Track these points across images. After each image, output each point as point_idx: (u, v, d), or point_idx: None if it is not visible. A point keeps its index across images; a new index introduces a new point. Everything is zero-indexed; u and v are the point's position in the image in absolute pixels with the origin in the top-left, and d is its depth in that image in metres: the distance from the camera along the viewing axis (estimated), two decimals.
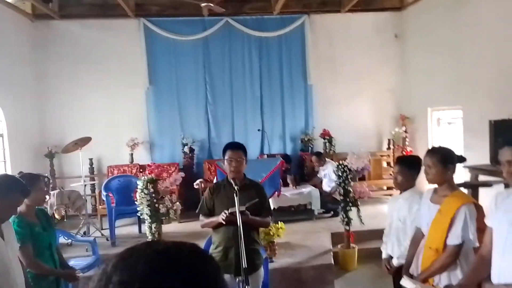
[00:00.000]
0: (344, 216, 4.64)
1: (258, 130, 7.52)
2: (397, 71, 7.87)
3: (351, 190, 4.63)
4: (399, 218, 2.76)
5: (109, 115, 7.26)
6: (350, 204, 4.63)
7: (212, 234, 2.97)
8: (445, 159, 2.28)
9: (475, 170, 4.62)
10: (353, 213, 4.71)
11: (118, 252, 0.64)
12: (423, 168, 2.88)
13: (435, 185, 2.43)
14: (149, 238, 4.39)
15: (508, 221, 1.69)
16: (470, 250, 2.23)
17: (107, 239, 5.44)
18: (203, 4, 5.26)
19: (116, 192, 5.67)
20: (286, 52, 7.58)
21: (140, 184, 4.36)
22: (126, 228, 5.97)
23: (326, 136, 7.38)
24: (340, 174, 4.62)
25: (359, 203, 4.70)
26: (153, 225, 4.39)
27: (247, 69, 7.51)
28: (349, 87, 7.72)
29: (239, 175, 2.86)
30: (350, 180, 4.63)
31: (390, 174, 7.50)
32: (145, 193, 4.32)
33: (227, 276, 2.82)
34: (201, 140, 7.50)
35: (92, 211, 6.68)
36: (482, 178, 4.64)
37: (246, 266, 2.16)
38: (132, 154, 7.19)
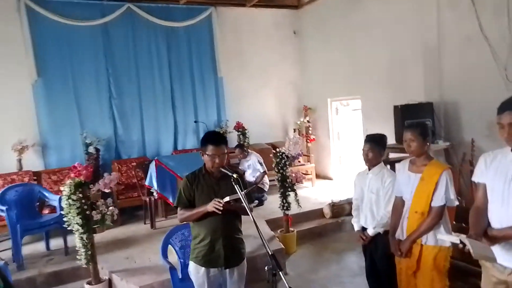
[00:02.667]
0: (285, 201, 4.80)
1: (195, 121, 7.18)
2: (297, 65, 8.46)
3: (288, 176, 4.81)
4: (371, 191, 3.01)
5: None
6: (289, 189, 4.81)
7: (193, 227, 2.73)
8: (424, 132, 2.58)
9: (387, 149, 5.31)
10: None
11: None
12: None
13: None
14: (82, 251, 3.77)
15: (504, 176, 2.03)
16: (445, 210, 2.59)
17: (7, 263, 4.43)
18: None
19: (14, 205, 4.66)
20: (195, 44, 7.37)
21: (66, 189, 3.68)
22: (28, 247, 4.97)
23: (240, 128, 7.46)
24: (278, 161, 4.75)
25: (295, 187, 4.92)
26: (85, 236, 3.78)
27: (154, 60, 7.03)
28: (256, 80, 7.96)
29: (220, 168, 2.67)
30: (287, 166, 4.80)
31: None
32: (73, 200, 3.67)
33: (213, 270, 2.65)
34: (107, 138, 6.72)
35: None
36: (391, 155, 5.35)
37: (272, 253, 2.06)
38: (20, 160, 6.00)
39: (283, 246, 4.42)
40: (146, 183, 4.55)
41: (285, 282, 1.94)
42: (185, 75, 7.30)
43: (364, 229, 3.09)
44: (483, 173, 2.16)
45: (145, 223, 5.81)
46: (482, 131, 4.76)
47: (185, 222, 2.94)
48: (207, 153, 2.61)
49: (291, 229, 5.03)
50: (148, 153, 7.03)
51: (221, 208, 2.47)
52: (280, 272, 1.99)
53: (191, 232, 2.80)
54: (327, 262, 4.59)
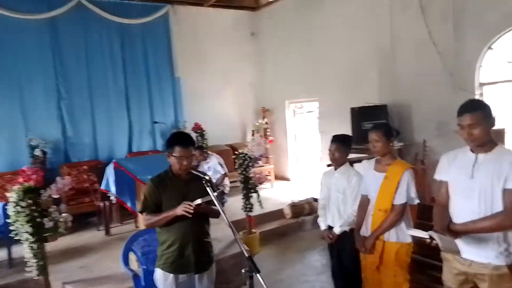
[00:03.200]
0: (247, 202, 4.78)
1: (155, 122, 6.97)
2: (256, 67, 8.49)
3: (251, 177, 4.79)
4: (338, 190, 3.06)
5: None
6: (252, 191, 4.79)
7: (160, 232, 2.61)
8: (388, 133, 2.67)
9: None
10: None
11: None
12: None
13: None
14: (33, 261, 3.47)
15: (465, 173, 2.15)
16: (407, 208, 2.70)
17: None
18: None
19: None
20: (151, 42, 7.13)
21: (13, 196, 3.37)
22: None
23: (198, 129, 7.33)
24: (241, 163, 4.72)
25: (258, 189, 4.91)
26: (35, 245, 3.48)
27: (107, 58, 6.71)
28: (215, 81, 7.88)
29: (188, 171, 2.60)
30: (250, 167, 4.78)
31: None
32: (22, 207, 3.37)
33: (183, 277, 2.56)
34: (55, 140, 6.28)
35: None
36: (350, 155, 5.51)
37: (249, 254, 2.03)
38: None
39: (247, 248, 4.38)
40: (102, 187, 4.30)
41: (264, 284, 1.92)
42: (140, 74, 7.04)
43: (330, 228, 3.13)
44: (446, 171, 2.28)
45: (98, 230, 5.52)
46: (432, 132, 5.08)
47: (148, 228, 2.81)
48: (174, 154, 2.52)
49: (254, 230, 5.02)
50: (100, 156, 6.67)
51: (192, 212, 2.39)
52: (257, 274, 1.96)
53: (157, 237, 2.68)
54: (291, 261, 4.63)
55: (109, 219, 5.35)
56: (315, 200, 5.57)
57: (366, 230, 2.78)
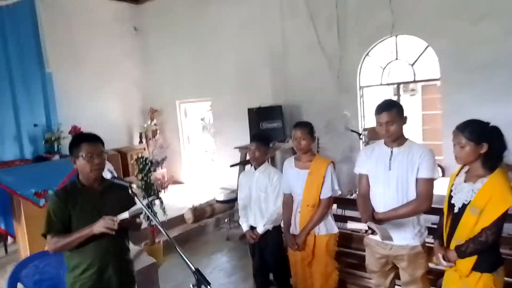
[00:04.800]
0: (150, 211, 4.39)
1: (35, 125, 5.95)
2: (141, 65, 7.93)
3: (153, 183, 4.44)
4: (260, 189, 3.04)
5: None
6: (155, 197, 4.45)
7: (69, 256, 2.18)
8: (312, 131, 2.77)
9: (244, 149, 5.49)
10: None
11: None
12: None
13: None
14: None
15: (383, 165, 2.36)
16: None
17: None
18: None
19: None
20: (12, 30, 5.95)
21: None
22: None
23: (77, 133, 6.44)
24: (142, 168, 4.33)
25: (160, 195, 4.59)
26: None
27: None
28: (95, 78, 7.07)
29: (101, 173, 2.27)
30: (151, 172, 4.43)
31: None
32: None
33: None
34: None
35: None
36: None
37: (195, 268, 1.84)
38: None
39: (154, 260, 4.04)
40: None
41: None
42: None
43: (253, 228, 3.10)
44: (365, 164, 2.48)
45: None
46: (322, 130, 5.51)
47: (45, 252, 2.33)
48: (81, 154, 2.15)
49: (156, 240, 4.66)
50: None
51: (116, 228, 2.06)
52: (208, 287, 1.80)
53: (66, 263, 2.23)
54: (200, 266, 4.33)
55: None
56: (218, 201, 5.50)
57: (295, 228, 2.83)
